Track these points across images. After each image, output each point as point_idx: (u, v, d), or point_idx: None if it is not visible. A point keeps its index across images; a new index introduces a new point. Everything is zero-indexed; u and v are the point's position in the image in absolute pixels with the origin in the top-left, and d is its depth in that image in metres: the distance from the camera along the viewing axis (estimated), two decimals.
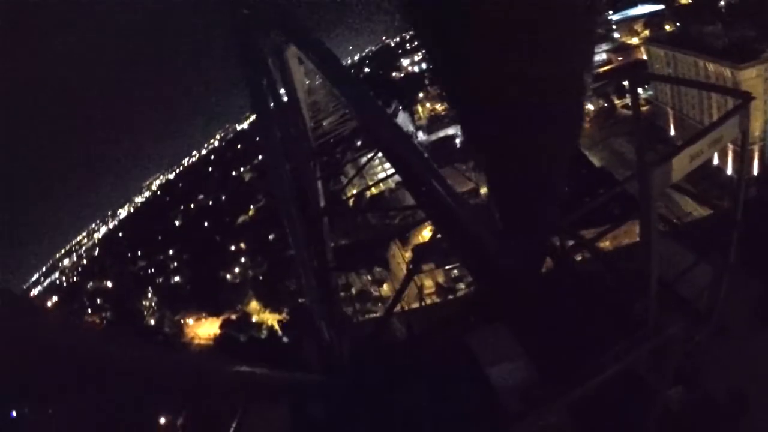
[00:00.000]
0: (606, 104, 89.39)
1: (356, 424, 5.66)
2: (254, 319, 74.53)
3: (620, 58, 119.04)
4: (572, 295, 6.04)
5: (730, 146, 69.01)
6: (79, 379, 3.11)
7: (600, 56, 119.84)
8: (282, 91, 14.17)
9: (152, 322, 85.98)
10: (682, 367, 6.37)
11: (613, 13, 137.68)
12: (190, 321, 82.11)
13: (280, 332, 64.11)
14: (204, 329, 78.83)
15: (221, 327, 72.90)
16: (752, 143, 71.04)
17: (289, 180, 9.25)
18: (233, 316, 75.56)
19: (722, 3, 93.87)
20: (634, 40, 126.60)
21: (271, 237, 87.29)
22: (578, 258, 8.24)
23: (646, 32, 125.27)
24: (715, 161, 63.41)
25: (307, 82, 19.69)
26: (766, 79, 68.41)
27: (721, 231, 5.99)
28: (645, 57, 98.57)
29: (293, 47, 13.67)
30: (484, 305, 7.53)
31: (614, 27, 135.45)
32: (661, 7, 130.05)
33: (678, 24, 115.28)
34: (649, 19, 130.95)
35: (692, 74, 77.34)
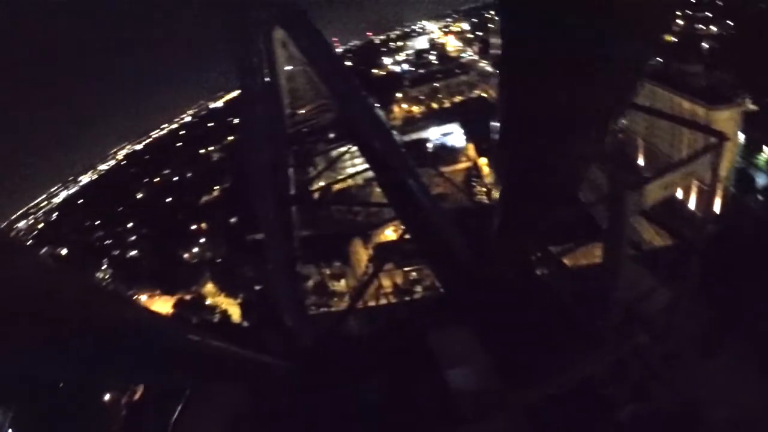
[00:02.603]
0: None
1: (314, 414, 5.62)
2: (208, 302, 72.75)
3: None
4: (535, 305, 6.16)
5: (695, 182, 71.30)
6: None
7: None
8: (265, 72, 13.97)
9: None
10: (637, 383, 6.57)
11: None
12: (143, 297, 79.76)
13: (234, 317, 62.87)
14: (156, 307, 76.54)
15: (174, 307, 70.94)
16: (718, 182, 73.27)
17: (265, 163, 9.10)
18: (187, 297, 73.63)
19: (705, 45, 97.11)
20: None
21: (233, 220, 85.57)
22: (542, 270, 8.39)
23: None
24: (679, 195, 65.71)
25: (288, 68, 19.32)
26: (737, 123, 70.96)
27: (682, 260, 6.20)
28: None
29: (279, 30, 13.48)
30: (445, 308, 7.60)
31: None
32: None
33: (660, 60, 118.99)
34: None
35: (667, 110, 79.37)
